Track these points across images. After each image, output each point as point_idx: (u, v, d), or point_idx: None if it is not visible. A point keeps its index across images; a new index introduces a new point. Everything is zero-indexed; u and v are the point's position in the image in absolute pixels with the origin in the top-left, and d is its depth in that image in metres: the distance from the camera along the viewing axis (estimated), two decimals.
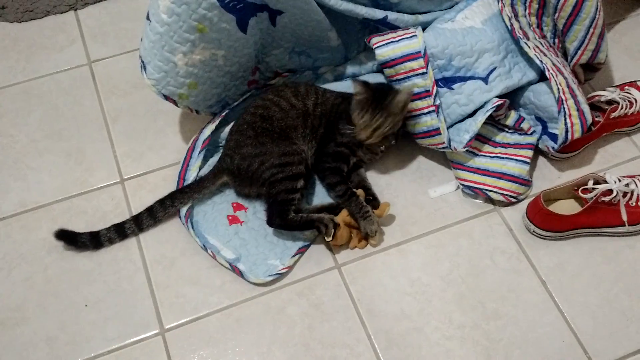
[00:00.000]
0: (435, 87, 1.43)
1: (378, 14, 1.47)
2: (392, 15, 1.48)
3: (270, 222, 1.39)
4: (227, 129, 1.52)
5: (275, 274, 1.37)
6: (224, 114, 1.52)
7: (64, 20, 1.81)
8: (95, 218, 1.46)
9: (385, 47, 1.43)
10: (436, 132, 1.44)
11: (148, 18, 1.35)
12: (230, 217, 1.45)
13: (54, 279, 1.38)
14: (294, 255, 1.41)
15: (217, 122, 1.50)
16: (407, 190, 1.50)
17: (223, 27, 1.34)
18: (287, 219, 1.37)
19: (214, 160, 1.49)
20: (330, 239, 1.36)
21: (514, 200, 1.46)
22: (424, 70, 1.42)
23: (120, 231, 1.41)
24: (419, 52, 1.42)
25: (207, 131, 1.49)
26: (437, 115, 1.43)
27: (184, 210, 1.43)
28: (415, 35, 1.43)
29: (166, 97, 1.43)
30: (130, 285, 1.37)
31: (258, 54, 1.52)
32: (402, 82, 1.44)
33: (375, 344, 1.31)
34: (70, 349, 1.30)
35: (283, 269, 1.38)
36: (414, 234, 1.44)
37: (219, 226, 1.44)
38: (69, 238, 1.40)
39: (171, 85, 1.41)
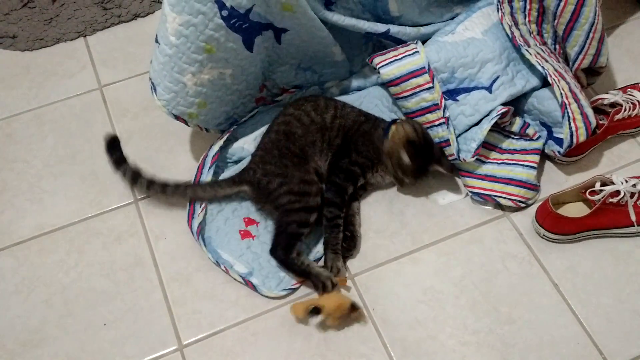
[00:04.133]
0: (443, 100, 1.45)
1: (380, 27, 1.50)
2: (394, 29, 1.51)
3: (272, 252, 1.38)
4: (236, 145, 1.55)
5: (288, 289, 1.39)
6: (232, 130, 1.54)
7: (73, 47, 1.85)
8: (111, 238, 1.48)
9: (390, 66, 1.45)
10: (446, 143, 1.46)
11: (157, 41, 1.39)
12: (242, 232, 1.47)
13: (72, 299, 1.40)
14: None
15: (224, 137, 1.52)
16: (417, 199, 1.51)
17: (230, 46, 1.37)
18: (289, 256, 1.36)
19: (225, 176, 1.51)
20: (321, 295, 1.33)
21: (522, 205, 1.47)
22: (430, 84, 1.44)
23: (134, 176, 1.48)
24: (423, 67, 1.44)
25: (216, 147, 1.52)
26: (447, 127, 1.45)
27: (195, 224, 1.45)
28: (417, 52, 1.45)
29: (176, 117, 1.46)
30: (147, 302, 1.39)
31: (265, 71, 1.55)
32: (410, 98, 1.46)
33: (391, 353, 1.32)
34: None
35: (296, 283, 1.40)
36: (425, 242, 1.45)
37: (231, 241, 1.46)
38: (113, 145, 1.52)
39: (181, 105, 1.44)
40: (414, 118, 1.48)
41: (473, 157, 1.45)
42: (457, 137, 1.48)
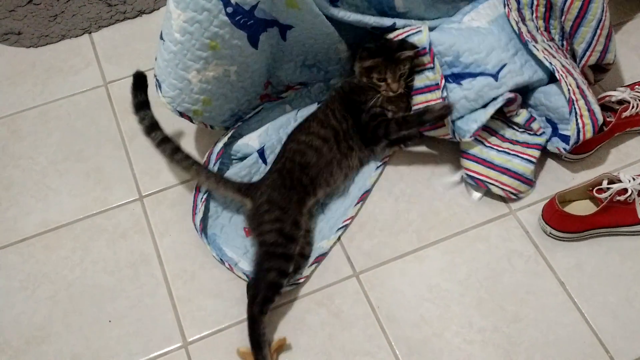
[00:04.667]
0: (443, 81, 1.44)
1: (386, 22, 1.49)
2: (400, 22, 1.50)
3: (250, 305, 1.31)
4: (241, 141, 1.55)
5: (292, 284, 1.39)
6: (236, 126, 1.54)
7: (78, 44, 1.85)
8: (116, 235, 1.48)
9: None
10: (442, 124, 1.46)
11: (162, 38, 1.39)
12: (246, 229, 1.47)
13: (77, 296, 1.40)
14: (310, 265, 1.43)
15: (229, 134, 1.52)
16: (422, 197, 1.51)
17: (235, 43, 1.37)
18: (261, 316, 1.29)
19: (230, 173, 1.51)
20: None
21: (513, 197, 1.48)
22: (431, 65, 1.44)
23: (151, 127, 1.48)
24: (425, 47, 1.44)
25: (220, 144, 1.51)
26: None
27: (197, 219, 1.45)
28: (420, 31, 1.45)
29: (181, 114, 1.46)
30: (152, 299, 1.39)
31: (269, 68, 1.54)
32: (411, 76, 1.47)
33: (396, 351, 1.31)
34: None
35: (300, 279, 1.40)
36: (431, 240, 1.45)
37: (236, 238, 1.46)
38: (139, 85, 1.50)
39: (186, 102, 1.43)
40: (415, 95, 1.49)
41: (471, 137, 1.44)
42: (458, 119, 1.48)
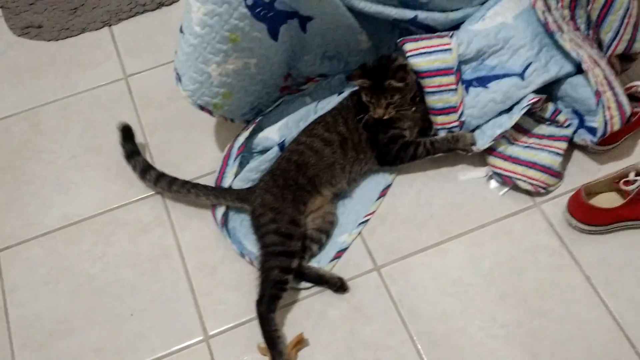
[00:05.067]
0: (462, 105, 1.43)
1: (408, 14, 1.47)
2: (422, 15, 1.47)
3: (258, 304, 1.32)
4: (261, 135, 1.54)
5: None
6: (257, 120, 1.53)
7: (99, 37, 1.85)
8: (137, 229, 1.49)
9: (419, 58, 1.42)
10: None
11: (181, 31, 1.38)
12: None
13: (99, 290, 1.41)
14: (332, 260, 1.42)
15: (250, 129, 1.51)
16: (444, 190, 1.49)
17: (255, 36, 1.36)
18: (269, 315, 1.30)
19: (250, 167, 1.50)
20: None
21: (542, 190, 1.45)
22: (455, 87, 1.43)
23: (144, 170, 1.50)
24: (452, 68, 1.42)
25: (241, 138, 1.50)
26: (460, 130, 1.47)
27: (219, 215, 1.45)
28: (449, 50, 1.42)
29: (201, 108, 1.45)
30: (173, 293, 1.40)
31: (289, 60, 1.53)
32: (431, 95, 1.44)
33: (418, 346, 1.30)
34: (118, 358, 1.33)
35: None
36: (453, 234, 1.43)
37: None
38: (127, 133, 1.54)
39: (206, 96, 1.43)
40: (432, 115, 1.47)
41: (490, 142, 1.44)
42: (483, 124, 1.47)
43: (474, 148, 1.46)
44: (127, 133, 1.55)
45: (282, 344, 1.29)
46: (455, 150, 1.47)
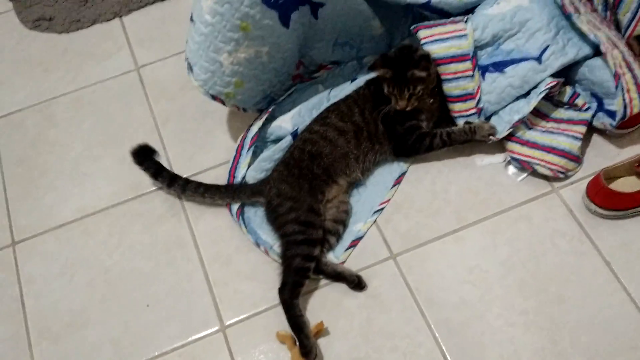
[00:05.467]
0: (479, 91, 1.41)
1: None
2: None
3: (281, 291, 1.32)
4: (274, 124, 1.52)
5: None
6: (270, 109, 1.52)
7: (110, 28, 1.84)
8: (152, 220, 1.48)
9: (434, 45, 1.40)
10: None
11: (192, 20, 1.37)
12: None
13: (115, 281, 1.41)
14: (347, 249, 1.41)
15: (264, 118, 1.50)
16: (460, 176, 1.47)
17: (266, 23, 1.34)
18: (293, 301, 1.30)
19: (264, 157, 1.49)
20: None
21: (561, 175, 1.43)
22: (471, 73, 1.40)
23: (157, 172, 1.47)
24: (468, 54, 1.40)
25: (255, 128, 1.49)
26: (479, 117, 1.45)
27: (235, 207, 1.44)
28: (465, 35, 1.40)
29: (214, 97, 1.45)
30: (189, 283, 1.39)
31: (301, 48, 1.52)
32: (447, 82, 1.42)
33: (436, 334, 1.29)
34: (135, 349, 1.33)
35: (339, 263, 1.39)
36: (470, 220, 1.41)
37: None
38: (142, 154, 1.49)
39: (218, 85, 1.42)
40: (449, 103, 1.45)
41: (508, 130, 1.42)
42: (500, 110, 1.45)
43: (493, 138, 1.44)
44: (142, 153, 1.50)
45: (308, 328, 1.28)
46: (473, 141, 1.45)
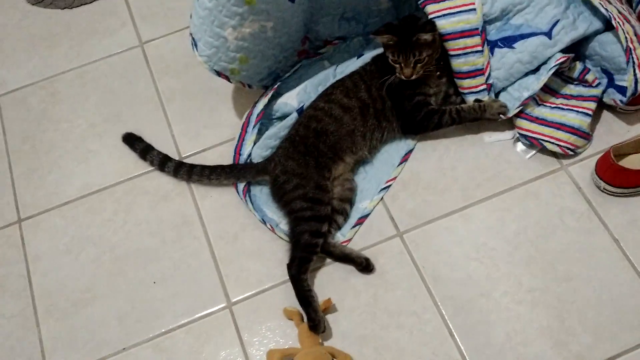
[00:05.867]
0: (489, 67, 1.39)
1: None
2: None
3: (288, 267, 1.32)
4: (280, 100, 1.51)
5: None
6: (275, 86, 1.50)
7: (113, 3, 1.82)
8: (158, 197, 1.48)
9: (442, 20, 1.37)
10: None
11: None
12: None
13: (122, 258, 1.41)
14: (353, 226, 1.40)
15: (269, 95, 1.49)
16: (468, 153, 1.46)
17: None
18: (301, 276, 1.30)
19: (269, 134, 1.47)
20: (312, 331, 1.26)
21: (570, 152, 1.41)
22: (480, 48, 1.38)
23: (162, 162, 1.48)
24: (477, 29, 1.37)
25: (260, 105, 1.48)
26: (489, 93, 1.42)
27: (241, 186, 1.44)
28: (473, 9, 1.37)
29: (219, 73, 1.43)
30: (195, 261, 1.39)
31: (307, 23, 1.49)
32: (456, 58, 1.40)
33: (442, 311, 1.29)
34: (141, 325, 1.33)
35: (344, 241, 1.38)
36: (478, 198, 1.40)
37: None
38: (131, 141, 1.53)
39: (223, 61, 1.40)
40: (457, 79, 1.43)
41: (518, 107, 1.40)
42: (509, 86, 1.43)
43: (502, 116, 1.42)
44: (131, 139, 1.53)
45: (316, 303, 1.29)
46: (483, 119, 1.43)
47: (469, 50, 1.39)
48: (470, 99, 1.44)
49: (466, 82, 1.43)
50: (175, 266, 1.39)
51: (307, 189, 1.35)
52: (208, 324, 1.32)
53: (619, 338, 1.23)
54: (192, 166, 1.46)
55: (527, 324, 1.26)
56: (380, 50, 1.45)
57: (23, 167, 1.56)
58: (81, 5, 1.82)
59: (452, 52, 1.40)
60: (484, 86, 1.42)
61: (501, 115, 1.42)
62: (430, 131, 1.46)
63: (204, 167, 1.45)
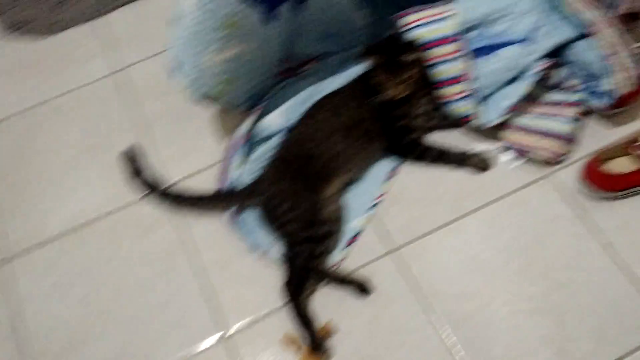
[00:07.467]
0: (469, 74, 1.39)
1: None
2: None
3: (285, 289, 1.30)
4: (265, 121, 1.49)
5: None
6: (260, 107, 1.49)
7: (90, 29, 1.79)
8: (146, 227, 1.46)
9: (419, 29, 1.38)
10: (469, 118, 1.43)
11: (175, 19, 1.33)
12: None
13: (113, 293, 1.38)
14: (345, 247, 1.39)
15: (253, 117, 1.47)
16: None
17: (251, 20, 1.31)
18: (297, 297, 1.29)
19: (256, 155, 1.46)
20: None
21: (557, 159, 1.42)
22: (459, 55, 1.38)
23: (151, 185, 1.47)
24: (454, 36, 1.37)
25: (245, 127, 1.47)
26: (470, 100, 1.42)
27: (228, 212, 1.42)
28: (452, 17, 1.37)
29: (201, 98, 1.41)
30: (190, 289, 1.37)
31: (288, 43, 1.49)
32: (434, 67, 1.40)
33: (442, 326, 1.28)
34: None
35: (337, 263, 1.37)
36: (469, 209, 1.40)
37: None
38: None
39: (205, 85, 1.39)
40: (438, 90, 1.43)
41: (500, 118, 1.40)
42: (489, 95, 1.43)
43: (482, 171, 1.43)
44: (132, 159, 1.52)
45: (315, 322, 1.28)
46: (464, 167, 1.43)
47: (448, 57, 1.39)
48: (453, 107, 1.44)
49: (447, 91, 1.42)
50: (167, 298, 1.36)
51: (300, 211, 1.34)
52: (206, 355, 1.30)
53: (620, 341, 1.24)
54: (179, 196, 1.44)
55: (528, 333, 1.26)
56: (364, 67, 1.44)
57: (7, 204, 1.52)
58: (57, 32, 1.78)
59: (432, 61, 1.40)
60: (464, 94, 1.41)
61: (482, 169, 1.43)
62: (411, 160, 1.46)
63: (191, 197, 1.44)
